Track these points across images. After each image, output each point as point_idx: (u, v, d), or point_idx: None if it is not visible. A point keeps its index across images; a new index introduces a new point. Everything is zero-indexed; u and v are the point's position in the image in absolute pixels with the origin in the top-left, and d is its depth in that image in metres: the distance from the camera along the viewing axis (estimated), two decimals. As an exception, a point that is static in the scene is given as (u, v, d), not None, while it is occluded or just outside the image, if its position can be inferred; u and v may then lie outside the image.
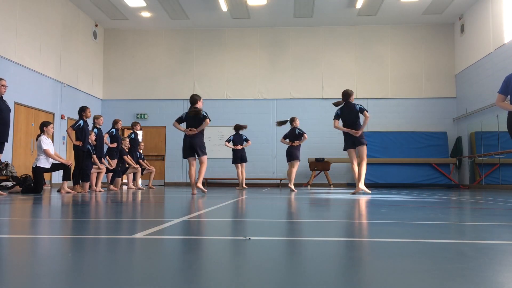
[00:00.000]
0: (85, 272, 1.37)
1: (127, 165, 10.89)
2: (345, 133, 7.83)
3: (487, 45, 13.04)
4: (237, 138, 11.38)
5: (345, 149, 7.83)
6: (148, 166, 11.81)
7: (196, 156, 7.61)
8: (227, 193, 8.10)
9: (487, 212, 3.93)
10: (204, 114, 7.59)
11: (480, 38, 13.52)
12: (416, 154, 14.89)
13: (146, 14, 14.86)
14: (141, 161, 11.54)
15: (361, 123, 7.77)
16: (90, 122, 9.10)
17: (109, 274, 1.32)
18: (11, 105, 10.75)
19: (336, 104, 8.07)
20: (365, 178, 14.61)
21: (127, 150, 10.93)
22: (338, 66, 15.69)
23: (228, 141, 11.41)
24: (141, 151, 11.83)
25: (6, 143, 7.04)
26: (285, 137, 10.29)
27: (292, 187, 9.86)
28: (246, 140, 11.48)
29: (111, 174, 10.21)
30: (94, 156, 8.90)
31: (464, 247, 1.84)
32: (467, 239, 2.16)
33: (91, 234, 2.37)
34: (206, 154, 7.69)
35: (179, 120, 7.71)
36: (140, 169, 11.20)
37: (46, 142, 7.98)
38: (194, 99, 7.70)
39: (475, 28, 13.86)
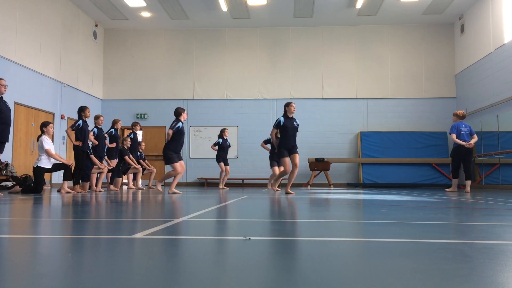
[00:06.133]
0: (85, 272, 1.37)
1: (128, 165, 10.86)
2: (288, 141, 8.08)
3: (487, 45, 13.04)
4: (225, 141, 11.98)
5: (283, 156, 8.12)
6: (149, 166, 11.78)
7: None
8: (227, 193, 8.11)
9: (487, 212, 3.93)
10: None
11: (480, 38, 13.52)
12: (416, 154, 14.90)
13: (146, 14, 14.86)
14: (141, 161, 11.51)
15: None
16: (90, 122, 9.09)
17: (109, 274, 1.32)
18: (11, 105, 10.77)
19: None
20: (365, 178, 14.78)
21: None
22: (338, 66, 15.69)
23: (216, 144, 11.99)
24: (141, 151, 11.81)
25: (6, 143, 7.05)
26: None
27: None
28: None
29: (110, 174, 10.20)
30: (92, 156, 8.88)
31: (464, 247, 1.84)
32: (467, 239, 2.16)
33: (91, 234, 2.37)
34: (168, 164, 8.33)
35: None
36: (141, 169, 11.18)
37: (47, 142, 7.98)
38: (177, 111, 8.44)
39: (475, 28, 13.86)
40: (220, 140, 11.86)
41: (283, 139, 8.01)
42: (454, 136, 9.09)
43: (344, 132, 15.56)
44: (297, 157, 8.07)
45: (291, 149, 8.04)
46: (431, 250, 1.78)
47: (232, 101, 15.83)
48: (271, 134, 8.24)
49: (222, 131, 11.97)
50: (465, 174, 9.33)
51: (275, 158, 9.88)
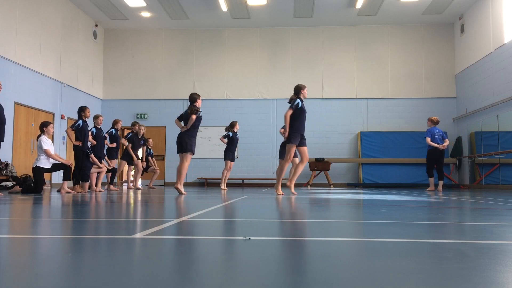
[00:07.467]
0: (85, 272, 1.37)
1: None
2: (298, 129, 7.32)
3: (487, 45, 13.04)
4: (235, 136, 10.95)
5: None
6: (155, 166, 11.83)
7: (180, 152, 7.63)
8: (227, 193, 8.11)
9: (487, 212, 3.93)
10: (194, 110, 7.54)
11: (480, 38, 13.52)
12: (416, 154, 14.89)
13: (146, 14, 14.86)
14: (150, 158, 11.73)
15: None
16: (90, 122, 9.08)
17: (109, 274, 1.32)
18: (11, 105, 10.79)
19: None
20: (365, 178, 14.77)
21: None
22: (338, 66, 15.69)
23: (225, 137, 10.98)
24: (150, 147, 11.98)
25: (2, 142, 7.05)
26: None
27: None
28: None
29: (110, 174, 10.20)
30: (92, 155, 8.88)
31: (464, 247, 1.84)
32: (467, 239, 2.16)
33: (90, 234, 2.37)
34: (187, 152, 7.53)
35: (180, 118, 7.85)
36: (141, 169, 11.09)
37: (46, 142, 7.97)
38: (193, 97, 7.74)
39: (475, 28, 13.86)
40: (231, 133, 10.82)
41: (299, 123, 7.22)
42: (429, 139, 10.06)
43: (344, 132, 15.57)
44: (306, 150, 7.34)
45: (301, 140, 7.27)
46: (431, 250, 1.78)
47: (232, 101, 15.83)
48: (285, 116, 7.21)
49: (233, 123, 10.89)
50: (438, 175, 10.26)
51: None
